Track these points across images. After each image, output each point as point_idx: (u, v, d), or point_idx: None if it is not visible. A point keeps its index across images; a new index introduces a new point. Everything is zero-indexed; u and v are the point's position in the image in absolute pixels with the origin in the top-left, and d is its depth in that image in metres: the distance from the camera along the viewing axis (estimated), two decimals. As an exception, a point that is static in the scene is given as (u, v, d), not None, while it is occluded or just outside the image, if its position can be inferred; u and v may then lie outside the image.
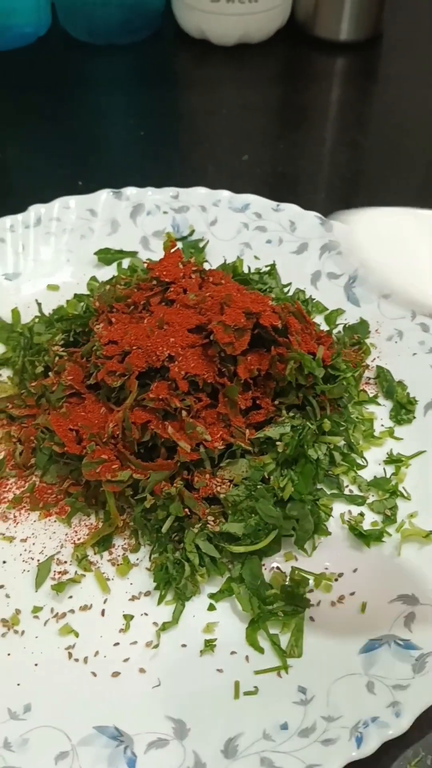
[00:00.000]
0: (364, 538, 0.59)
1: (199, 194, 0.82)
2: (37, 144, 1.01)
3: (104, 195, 0.81)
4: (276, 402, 0.61)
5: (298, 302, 0.64)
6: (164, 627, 0.55)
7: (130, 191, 0.82)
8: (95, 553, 0.59)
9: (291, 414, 0.61)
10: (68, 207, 0.80)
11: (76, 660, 0.53)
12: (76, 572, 0.58)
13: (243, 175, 0.94)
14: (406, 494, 0.62)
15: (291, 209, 0.80)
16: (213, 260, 0.79)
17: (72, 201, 0.80)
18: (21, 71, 1.12)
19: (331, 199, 0.92)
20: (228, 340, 0.58)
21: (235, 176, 0.93)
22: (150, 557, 0.58)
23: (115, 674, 0.53)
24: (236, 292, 0.61)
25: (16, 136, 1.03)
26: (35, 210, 0.79)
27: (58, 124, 1.03)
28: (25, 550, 0.59)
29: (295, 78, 1.14)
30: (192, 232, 0.81)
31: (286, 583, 0.57)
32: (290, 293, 0.75)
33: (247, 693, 0.51)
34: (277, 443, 0.59)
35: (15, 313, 0.74)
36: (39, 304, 0.72)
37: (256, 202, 0.81)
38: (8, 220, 0.78)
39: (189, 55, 1.15)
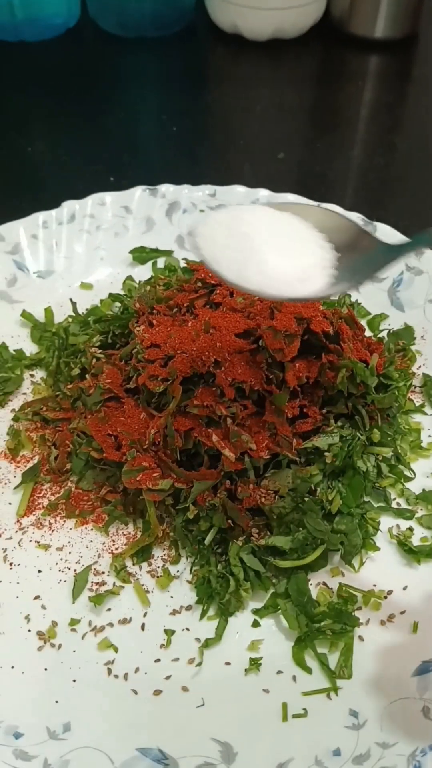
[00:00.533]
0: (414, 554, 0.57)
1: (237, 192, 0.79)
2: (66, 139, 0.99)
3: (139, 192, 0.79)
4: (324, 411, 0.59)
5: (350, 308, 0.61)
6: (207, 644, 0.53)
7: (166, 188, 0.79)
8: (134, 564, 0.57)
9: (339, 423, 0.58)
10: (103, 204, 0.78)
11: (116, 676, 0.51)
12: (114, 584, 0.56)
13: (279, 175, 0.91)
14: (456, 508, 0.60)
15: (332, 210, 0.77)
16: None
17: (107, 197, 0.78)
18: (50, 63, 1.10)
19: (368, 201, 0.89)
20: (278, 347, 0.55)
21: (271, 176, 0.91)
22: (191, 570, 0.56)
23: (157, 692, 0.50)
24: None
25: (44, 130, 1.01)
26: (69, 206, 0.77)
27: (88, 118, 1.01)
28: (62, 559, 0.57)
29: (329, 76, 1.12)
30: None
31: (334, 600, 0.55)
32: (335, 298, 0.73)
33: (296, 715, 0.49)
34: (326, 454, 0.56)
35: (48, 312, 0.71)
36: (74, 304, 0.70)
37: (296, 201, 0.78)
38: (41, 216, 0.76)
39: (221, 50, 1.13)
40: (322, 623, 0.53)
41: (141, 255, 0.77)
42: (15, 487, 0.61)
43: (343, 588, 0.55)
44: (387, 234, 0.75)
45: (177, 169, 0.90)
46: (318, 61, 1.13)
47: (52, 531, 0.59)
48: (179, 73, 1.10)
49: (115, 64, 1.10)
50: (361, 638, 0.53)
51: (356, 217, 0.77)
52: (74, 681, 0.51)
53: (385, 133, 1.02)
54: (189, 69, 1.11)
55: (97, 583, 0.56)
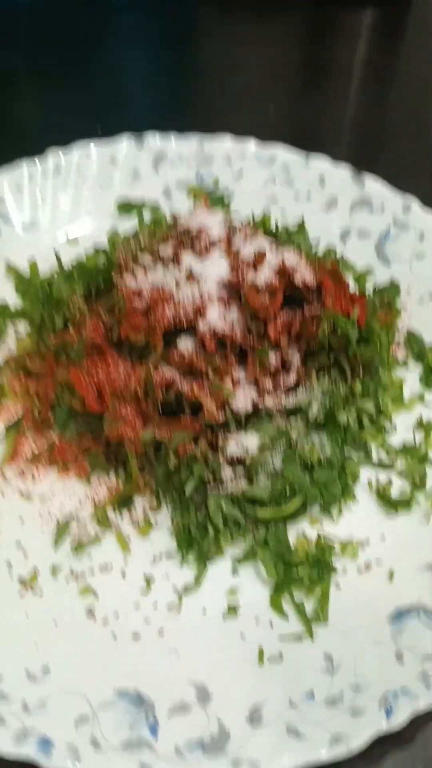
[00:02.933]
0: (392, 504, 0.58)
1: (224, 144, 0.78)
2: (55, 97, 0.96)
3: (125, 142, 0.77)
4: (305, 364, 0.59)
5: (333, 261, 0.61)
6: (186, 590, 0.53)
7: (152, 138, 0.78)
8: (115, 512, 0.57)
9: (320, 375, 0.58)
10: (89, 157, 0.76)
11: (96, 621, 0.52)
12: (96, 532, 0.56)
13: (268, 127, 0.90)
14: (436, 461, 0.60)
15: (321, 162, 0.76)
16: (238, 215, 0.75)
17: (93, 151, 0.77)
18: (39, 25, 1.07)
19: (358, 155, 0.87)
20: (261, 306, 0.55)
21: (260, 127, 0.89)
22: (172, 519, 0.57)
23: (136, 636, 0.51)
24: (268, 248, 0.58)
25: (33, 90, 0.98)
26: (54, 158, 0.76)
27: (75, 75, 0.99)
28: (44, 508, 0.58)
29: (321, 33, 1.09)
30: (216, 184, 0.77)
31: (312, 549, 0.55)
32: (319, 251, 0.72)
33: (271, 659, 0.50)
34: (309, 410, 0.56)
35: (33, 265, 0.71)
36: (58, 258, 0.69)
37: (284, 154, 0.77)
38: (25, 166, 0.75)
39: (212, 10, 1.10)
40: (300, 570, 0.54)
41: (126, 208, 0.76)
42: (-2, 438, 0.61)
43: (322, 538, 0.56)
44: (375, 187, 0.74)
45: (164, 122, 0.88)
46: (309, 18, 1.10)
47: (35, 481, 0.59)
48: (168, 31, 1.06)
49: (104, 23, 1.07)
50: (338, 586, 0.54)
51: (344, 170, 0.76)
52: (55, 624, 0.52)
53: (377, 88, 1.00)
54: (178, 27, 1.07)
55: (79, 531, 0.56)
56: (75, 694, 0.48)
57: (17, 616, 0.52)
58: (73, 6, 1.11)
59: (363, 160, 0.85)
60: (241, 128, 0.87)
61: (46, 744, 0.44)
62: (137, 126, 0.83)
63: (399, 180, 0.77)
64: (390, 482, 0.59)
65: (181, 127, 0.82)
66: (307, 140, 0.88)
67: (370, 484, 0.59)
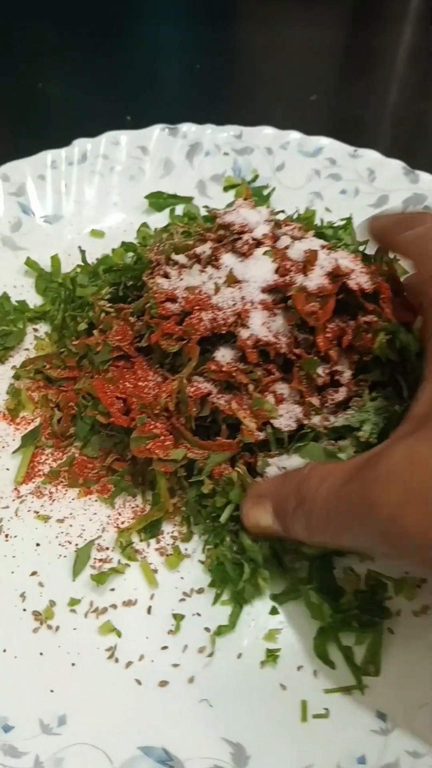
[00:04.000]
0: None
1: (265, 135, 0.72)
2: (79, 74, 0.91)
3: (157, 131, 0.72)
4: (358, 379, 0.53)
5: (392, 264, 0.55)
6: (220, 631, 0.48)
7: (188, 128, 0.72)
8: (141, 540, 0.52)
9: (374, 394, 0.52)
10: (117, 143, 0.71)
11: (118, 662, 0.46)
12: (119, 561, 0.51)
13: (311, 118, 0.84)
14: None
15: (370, 156, 0.71)
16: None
17: (122, 136, 0.71)
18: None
19: (406, 148, 0.82)
20: (310, 311, 0.49)
21: (302, 118, 0.83)
22: (204, 549, 0.51)
23: (163, 683, 0.46)
24: (320, 248, 0.52)
25: (56, 65, 0.93)
26: (80, 145, 0.70)
27: (104, 53, 0.94)
28: (62, 532, 0.52)
29: (366, 15, 1.03)
30: (255, 178, 0.72)
31: (361, 587, 0.49)
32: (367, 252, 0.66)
33: (316, 716, 0.44)
34: (360, 432, 0.50)
35: (55, 260, 0.65)
36: (82, 252, 0.64)
37: (331, 145, 0.71)
38: (49, 155, 0.70)
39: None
40: (348, 613, 0.48)
41: (158, 201, 0.70)
42: (13, 452, 0.56)
43: (373, 574, 0.50)
44: (430, 184, 0.68)
45: (200, 110, 0.82)
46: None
47: (53, 501, 0.54)
48: (204, 7, 1.01)
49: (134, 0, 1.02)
50: (391, 631, 0.48)
51: (397, 164, 0.70)
52: (72, 665, 0.46)
53: (424, 78, 0.93)
54: (214, 5, 1.02)
55: (100, 560, 0.51)
56: (94, 750, 0.42)
57: (31, 655, 0.46)
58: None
59: (409, 152, 0.79)
60: (279, 117, 0.82)
61: None
62: (168, 111, 0.78)
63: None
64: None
65: (216, 112, 0.76)
66: (352, 131, 0.82)
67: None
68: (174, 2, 1.04)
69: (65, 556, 0.51)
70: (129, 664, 0.46)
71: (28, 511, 0.53)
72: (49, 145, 0.71)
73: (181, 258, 0.54)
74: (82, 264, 0.64)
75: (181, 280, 0.53)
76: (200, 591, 0.49)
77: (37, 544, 0.51)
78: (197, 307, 0.51)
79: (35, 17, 0.99)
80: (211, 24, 1.00)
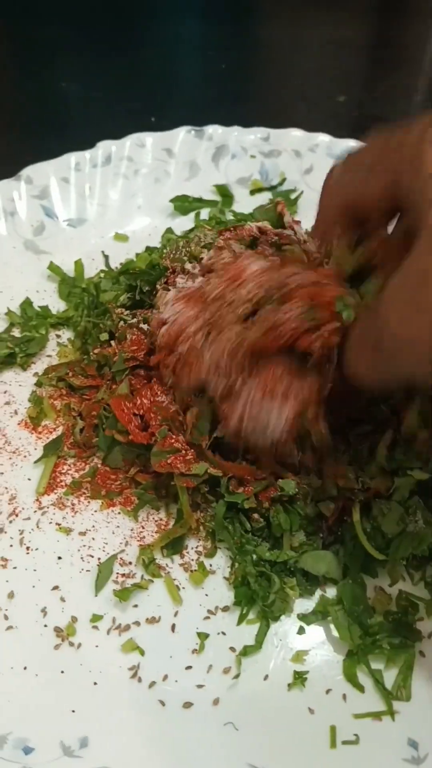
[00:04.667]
0: None
1: (294, 137, 0.71)
2: (102, 74, 0.90)
3: (183, 133, 0.71)
4: None
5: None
6: (246, 652, 0.46)
7: (214, 130, 0.71)
8: (164, 556, 0.50)
9: None
10: (142, 145, 0.70)
11: (141, 682, 0.45)
12: (142, 577, 0.49)
13: (339, 119, 0.82)
14: None
15: (401, 159, 0.68)
16: (306, 215, 0.68)
17: (147, 138, 0.70)
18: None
19: None
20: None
21: (330, 119, 0.82)
22: (232, 566, 0.49)
23: (187, 705, 0.44)
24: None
25: (78, 65, 0.92)
26: (104, 147, 0.69)
27: (126, 52, 0.93)
28: (84, 546, 0.51)
29: (393, 9, 1.01)
30: (283, 181, 0.70)
31: (392, 608, 0.48)
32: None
33: (345, 742, 0.43)
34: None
35: (78, 265, 0.64)
36: (106, 257, 0.63)
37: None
38: (73, 157, 0.68)
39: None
40: (379, 636, 0.46)
41: (183, 204, 0.69)
42: (35, 461, 0.55)
43: (404, 595, 0.48)
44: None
45: (224, 110, 0.81)
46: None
47: (75, 513, 0.52)
48: (225, 4, 1.00)
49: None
50: (422, 654, 0.46)
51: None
52: (94, 684, 0.45)
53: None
54: (238, 2, 1.01)
55: (123, 575, 0.50)
56: (117, 774, 0.41)
57: (52, 673, 0.45)
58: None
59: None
60: (306, 117, 0.81)
61: None
62: (192, 111, 0.77)
63: None
64: None
65: (240, 113, 0.75)
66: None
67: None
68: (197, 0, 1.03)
69: (87, 570, 0.50)
70: (152, 684, 0.45)
71: (50, 522, 0.52)
72: (73, 147, 0.70)
73: (190, 267, 0.53)
74: (106, 269, 0.63)
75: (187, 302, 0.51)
76: (225, 609, 0.48)
77: (59, 558, 0.50)
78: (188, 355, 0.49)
79: (57, 17, 0.98)
80: (232, 21, 0.99)
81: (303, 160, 0.70)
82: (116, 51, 0.93)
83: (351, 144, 0.70)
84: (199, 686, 0.45)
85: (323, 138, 0.70)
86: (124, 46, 0.93)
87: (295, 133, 0.71)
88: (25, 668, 0.45)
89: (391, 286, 0.38)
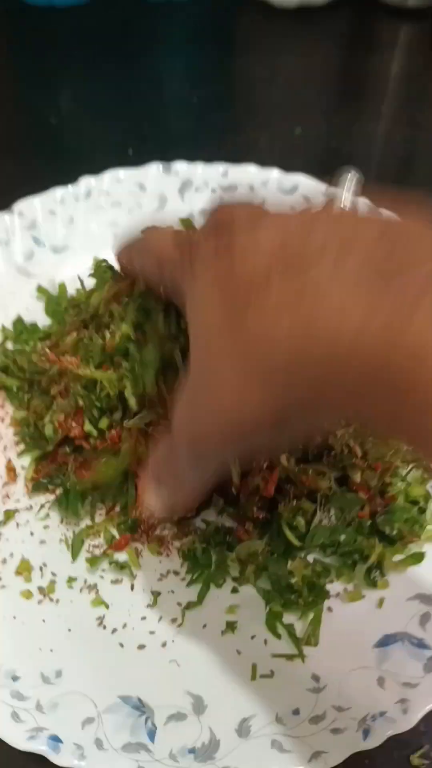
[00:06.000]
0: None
1: (248, 172, 0.81)
2: (88, 107, 1.00)
3: (154, 169, 0.81)
4: None
5: None
6: (189, 606, 0.58)
7: (180, 166, 0.82)
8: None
9: None
10: (119, 180, 0.81)
11: (105, 629, 0.57)
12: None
13: (295, 150, 0.93)
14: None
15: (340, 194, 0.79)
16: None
17: (122, 174, 0.81)
18: (77, 29, 1.11)
19: (384, 180, 0.90)
20: None
21: (286, 151, 0.92)
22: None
23: (141, 647, 0.56)
24: None
25: (67, 97, 1.03)
26: (85, 182, 0.80)
27: (111, 85, 1.03)
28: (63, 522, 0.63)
29: (357, 45, 1.10)
30: (239, 212, 0.81)
31: (308, 573, 0.59)
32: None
33: (263, 676, 0.54)
34: None
35: (62, 287, 0.75)
36: (81, 281, 0.73)
37: (306, 183, 0.80)
38: (59, 191, 0.79)
39: (249, 18, 1.12)
40: (294, 595, 0.58)
41: (154, 231, 0.80)
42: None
43: (318, 562, 0.59)
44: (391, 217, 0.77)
45: (196, 140, 0.92)
46: (345, 29, 1.12)
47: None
48: (205, 40, 1.10)
49: (142, 30, 1.11)
50: (330, 609, 0.58)
51: (363, 202, 0.78)
52: (69, 630, 0.56)
53: (408, 107, 1.01)
54: (215, 37, 1.11)
55: (94, 546, 0.61)
56: (83, 697, 0.53)
57: (36, 622, 0.57)
58: (111, 8, 1.14)
59: (391, 185, 0.87)
60: (267, 150, 0.91)
61: (55, 742, 0.50)
62: (166, 143, 0.87)
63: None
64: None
65: (209, 144, 0.85)
66: (331, 163, 0.91)
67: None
68: (177, 35, 1.12)
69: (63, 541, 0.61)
70: (114, 630, 0.57)
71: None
72: (59, 175, 0.81)
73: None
74: (81, 290, 0.74)
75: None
76: (176, 573, 0.60)
77: (45, 527, 0.62)
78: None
79: (49, 54, 1.08)
80: (212, 54, 1.08)
81: (256, 194, 0.81)
82: (103, 86, 1.03)
83: (298, 179, 0.80)
84: (151, 632, 0.56)
85: (274, 173, 0.81)
86: (111, 81, 1.03)
87: (250, 169, 0.81)
88: (14, 617, 0.57)
89: (179, 395, 0.43)
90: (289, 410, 0.37)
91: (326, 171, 0.82)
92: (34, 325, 0.73)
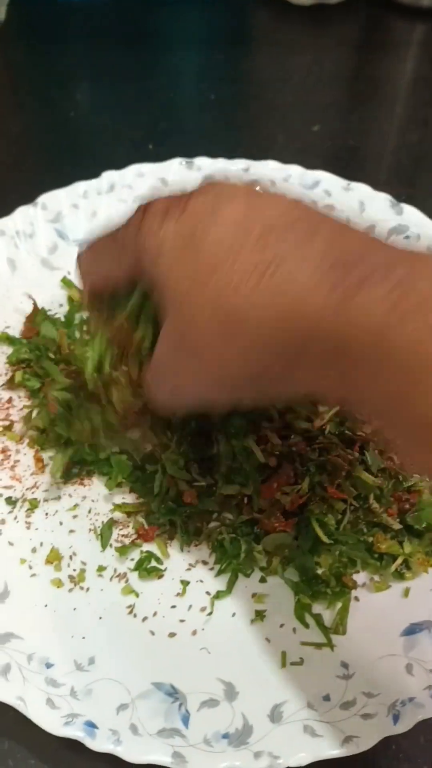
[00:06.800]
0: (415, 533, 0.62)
1: (270, 168, 0.82)
2: (108, 103, 1.01)
3: (176, 164, 0.82)
4: None
5: None
6: (218, 595, 0.59)
7: (202, 161, 0.82)
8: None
9: None
10: (141, 175, 0.81)
11: (136, 617, 0.58)
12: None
13: (313, 148, 0.94)
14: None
15: (361, 189, 0.80)
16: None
17: (145, 169, 0.81)
18: (93, 25, 1.11)
19: (400, 177, 0.91)
20: None
21: (304, 148, 0.93)
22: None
23: (172, 635, 0.57)
24: None
25: (87, 94, 1.03)
26: (108, 177, 0.81)
27: (131, 82, 1.03)
28: (89, 511, 0.64)
29: (372, 44, 1.11)
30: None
31: (335, 564, 0.60)
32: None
33: (293, 663, 0.55)
34: None
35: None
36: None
37: (327, 179, 0.81)
38: (82, 185, 0.80)
39: (265, 15, 1.13)
40: (322, 584, 0.59)
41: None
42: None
43: (344, 552, 0.60)
44: (412, 216, 0.78)
45: (213, 138, 0.92)
46: (361, 28, 1.13)
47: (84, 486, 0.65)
48: (221, 38, 1.11)
49: (160, 27, 1.11)
50: (357, 599, 0.59)
51: (384, 197, 0.79)
52: (100, 618, 0.57)
53: (423, 107, 1.02)
54: (231, 34, 1.11)
55: (122, 536, 0.62)
56: (117, 683, 0.54)
57: (67, 610, 0.58)
58: (127, 3, 1.15)
59: (405, 184, 0.88)
60: (286, 146, 0.92)
61: (91, 727, 0.50)
62: (185, 139, 0.87)
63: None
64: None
65: (228, 140, 0.86)
66: (350, 161, 0.92)
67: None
68: (193, 33, 1.13)
69: (92, 531, 0.62)
70: (144, 618, 0.58)
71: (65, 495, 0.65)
72: (81, 170, 0.81)
73: None
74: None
75: None
76: (204, 562, 0.60)
77: (74, 517, 0.63)
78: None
79: (68, 49, 1.09)
80: (229, 51, 1.09)
81: (278, 189, 0.81)
82: (123, 81, 1.03)
83: (319, 175, 0.81)
84: (181, 621, 0.57)
85: (295, 169, 0.82)
86: (129, 77, 1.03)
87: (272, 165, 0.82)
88: (45, 606, 0.58)
89: (157, 347, 0.46)
90: (265, 373, 0.40)
91: (344, 168, 0.83)
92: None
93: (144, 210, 0.44)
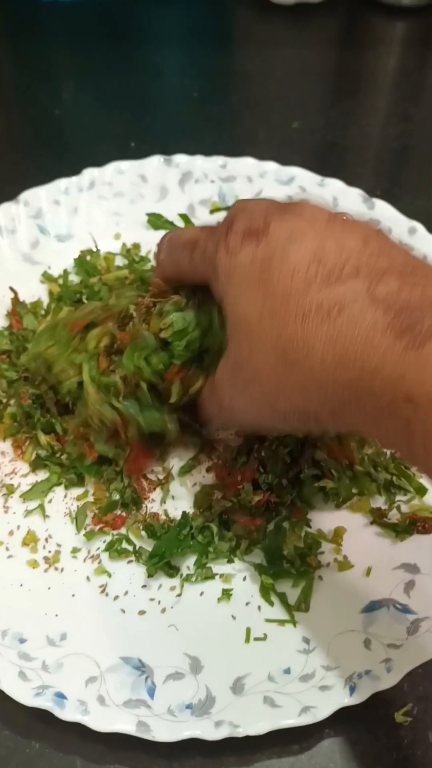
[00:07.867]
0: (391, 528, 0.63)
1: (247, 165, 0.84)
2: (91, 99, 1.03)
3: (155, 161, 0.84)
4: None
5: None
6: (188, 578, 0.61)
7: (180, 159, 0.84)
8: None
9: None
10: (121, 172, 0.84)
11: (108, 596, 0.60)
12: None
13: (292, 143, 0.95)
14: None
15: (335, 185, 0.82)
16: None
17: (124, 166, 0.84)
18: (76, 23, 1.13)
19: (378, 172, 0.93)
20: None
21: (284, 144, 0.95)
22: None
23: (141, 612, 0.59)
24: None
25: (71, 90, 1.05)
26: (89, 173, 0.83)
27: (113, 78, 1.05)
28: (65, 496, 0.66)
29: (353, 42, 1.13)
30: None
31: (300, 544, 0.62)
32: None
33: (256, 639, 0.57)
34: None
35: (65, 273, 0.78)
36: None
37: (302, 175, 0.83)
38: (63, 182, 0.82)
39: (247, 13, 1.15)
40: (287, 564, 0.61)
41: (156, 221, 0.82)
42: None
43: (310, 534, 0.63)
44: (384, 210, 0.80)
45: (196, 133, 0.94)
46: (342, 26, 1.14)
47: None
48: (204, 34, 1.12)
49: (143, 24, 1.13)
50: (320, 578, 0.61)
51: (357, 193, 0.81)
52: (73, 596, 0.60)
53: (402, 103, 1.04)
54: (213, 31, 1.13)
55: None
56: (87, 658, 0.56)
57: (42, 589, 0.60)
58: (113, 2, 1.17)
59: (383, 179, 0.90)
60: (265, 142, 0.94)
61: (60, 698, 0.53)
62: (167, 135, 0.90)
63: (419, 200, 0.83)
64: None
65: (209, 136, 0.88)
66: (328, 157, 0.94)
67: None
68: (176, 30, 1.15)
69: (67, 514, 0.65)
70: (116, 597, 0.60)
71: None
72: (63, 167, 0.84)
73: None
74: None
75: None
76: (175, 545, 0.63)
77: (49, 502, 0.65)
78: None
79: (53, 47, 1.11)
80: (211, 48, 1.11)
81: (254, 185, 0.83)
82: (106, 77, 1.06)
83: (293, 171, 0.83)
84: (151, 599, 0.60)
85: (271, 166, 0.84)
86: (112, 75, 1.05)
87: (248, 161, 0.84)
88: (21, 585, 0.60)
89: (219, 367, 0.49)
90: (319, 410, 0.42)
91: (324, 164, 0.85)
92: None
93: (228, 227, 0.45)
